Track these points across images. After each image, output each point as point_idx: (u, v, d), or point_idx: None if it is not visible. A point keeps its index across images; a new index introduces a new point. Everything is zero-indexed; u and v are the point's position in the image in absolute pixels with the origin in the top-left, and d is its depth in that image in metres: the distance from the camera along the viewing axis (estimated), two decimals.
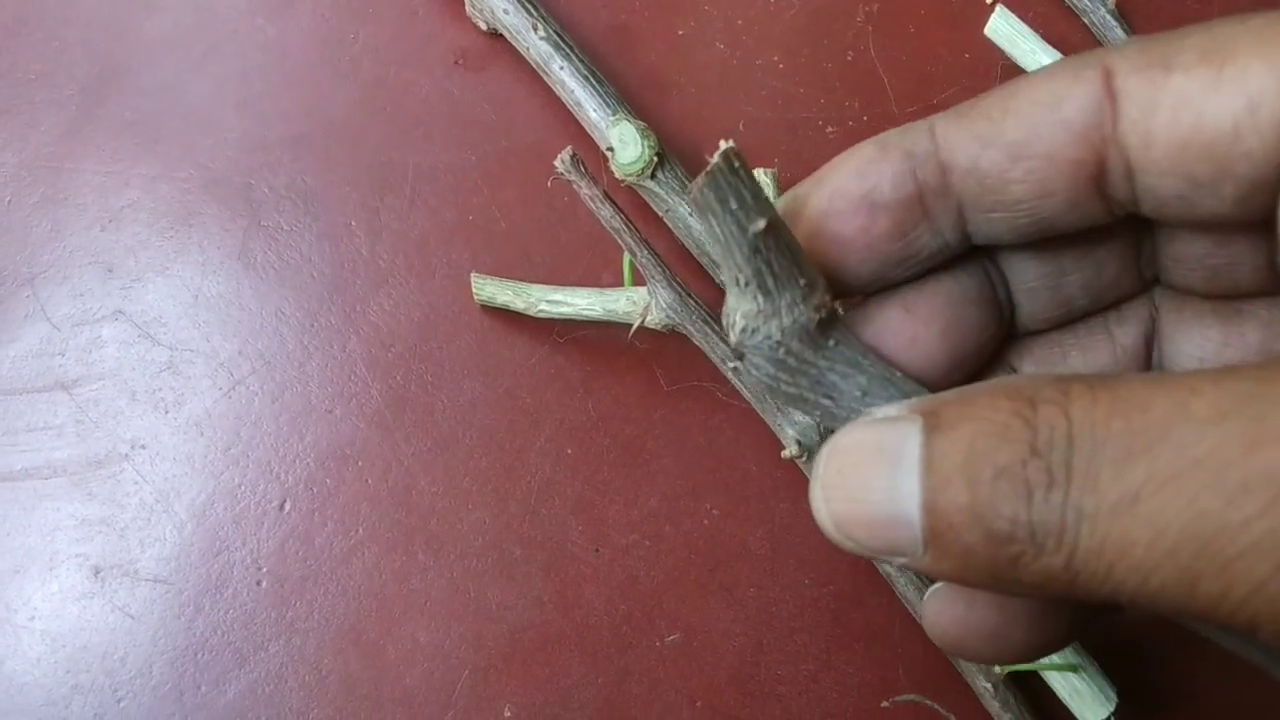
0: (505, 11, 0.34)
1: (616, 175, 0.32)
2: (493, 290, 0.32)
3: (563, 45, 0.34)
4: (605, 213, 0.28)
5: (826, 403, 0.19)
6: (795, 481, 0.31)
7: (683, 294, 0.29)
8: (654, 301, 0.29)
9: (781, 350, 0.18)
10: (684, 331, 0.29)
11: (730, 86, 0.36)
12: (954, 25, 0.36)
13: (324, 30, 0.37)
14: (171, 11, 0.37)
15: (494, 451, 0.32)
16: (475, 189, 0.35)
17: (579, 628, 0.30)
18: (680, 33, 0.36)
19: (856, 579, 0.30)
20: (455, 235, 0.34)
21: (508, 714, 0.29)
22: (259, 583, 0.30)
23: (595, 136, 0.34)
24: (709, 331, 0.29)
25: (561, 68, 0.34)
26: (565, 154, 0.28)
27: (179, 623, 0.30)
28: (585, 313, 0.31)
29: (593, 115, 0.33)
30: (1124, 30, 0.33)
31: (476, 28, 0.36)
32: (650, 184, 0.32)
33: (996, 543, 0.15)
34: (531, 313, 0.32)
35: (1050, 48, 0.34)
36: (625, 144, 0.32)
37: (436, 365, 0.32)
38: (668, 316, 0.29)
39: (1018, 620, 0.19)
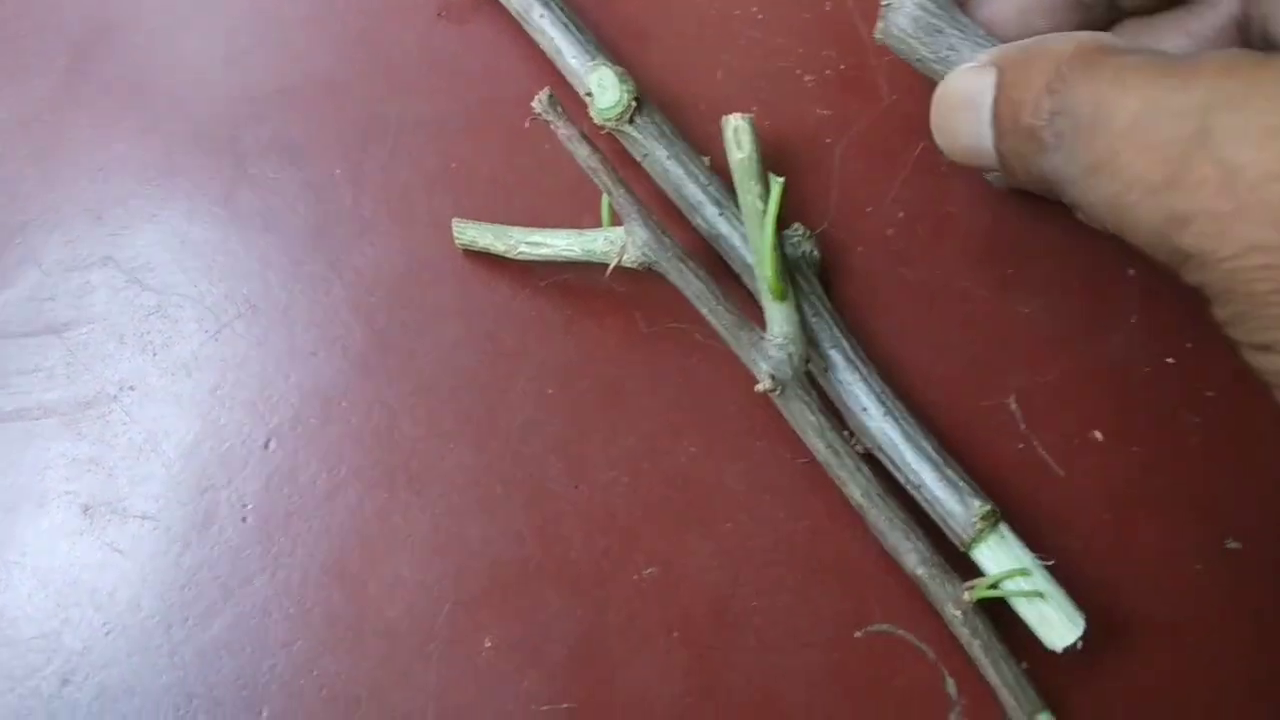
0: None
1: (595, 121, 0.33)
2: (473, 234, 0.33)
3: None
4: (582, 153, 0.29)
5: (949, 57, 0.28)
6: (771, 419, 0.31)
7: (658, 233, 0.30)
8: (630, 240, 0.30)
9: (921, 9, 0.28)
10: (660, 270, 0.30)
11: (709, 36, 0.36)
12: None
13: None
14: None
15: (475, 393, 0.32)
16: (458, 139, 0.35)
17: (558, 562, 0.30)
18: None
19: (831, 513, 0.30)
20: (437, 184, 0.34)
21: (488, 644, 0.30)
22: (244, 519, 0.31)
23: (574, 84, 0.34)
24: (684, 269, 0.29)
25: (541, 15, 0.34)
26: (543, 94, 0.29)
27: (167, 558, 0.31)
28: (564, 253, 0.31)
29: (572, 62, 0.34)
30: None
31: None
32: (628, 129, 0.32)
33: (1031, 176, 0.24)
34: (511, 255, 0.32)
35: None
36: (604, 88, 0.32)
37: (419, 310, 0.33)
38: (644, 255, 0.30)
39: None
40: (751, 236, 0.30)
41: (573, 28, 0.34)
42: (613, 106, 0.32)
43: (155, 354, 0.33)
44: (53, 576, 0.31)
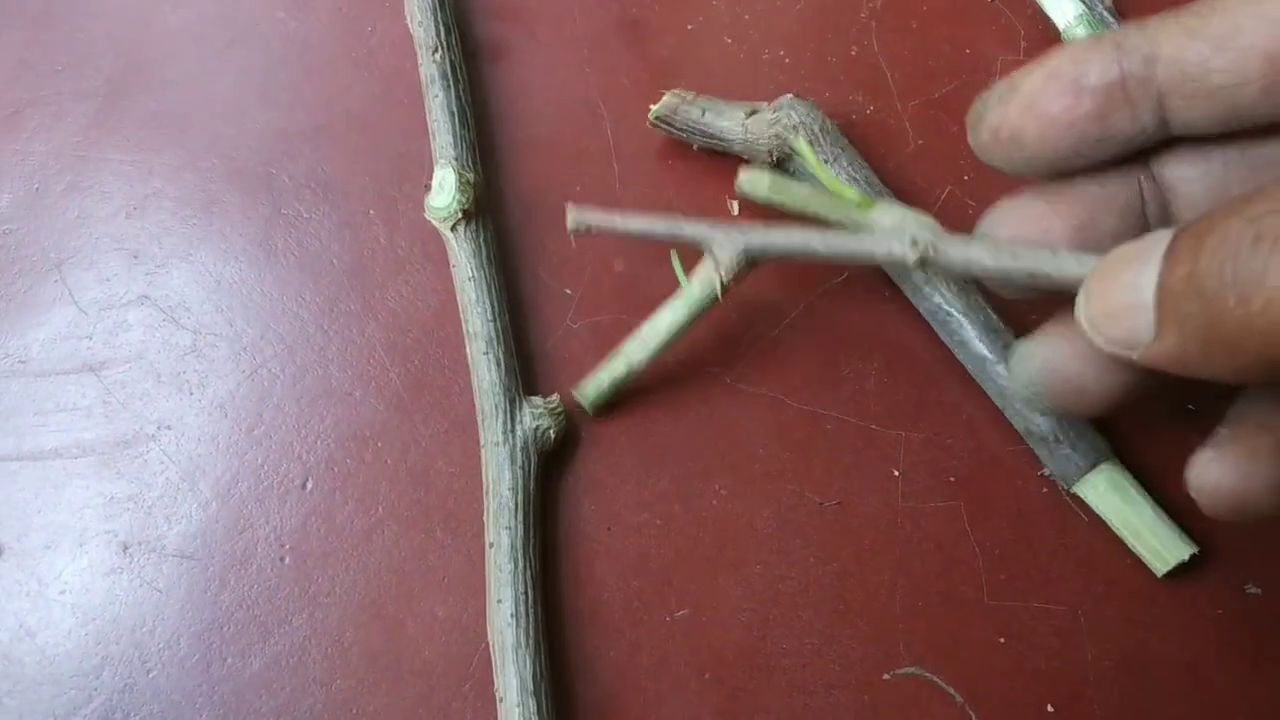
0: (419, 23, 0.35)
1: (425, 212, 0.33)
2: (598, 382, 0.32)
3: (449, 77, 0.34)
4: (634, 227, 0.29)
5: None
6: (800, 462, 0.32)
7: (733, 232, 0.29)
8: (716, 262, 0.29)
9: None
10: (759, 257, 0.29)
11: (737, 79, 0.37)
12: (955, 21, 0.37)
13: (342, 23, 0.38)
14: (194, 5, 0.38)
15: None
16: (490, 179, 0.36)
17: (591, 603, 0.31)
18: (689, 27, 0.37)
19: (859, 557, 0.31)
20: None
21: None
22: (282, 559, 0.31)
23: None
24: (774, 235, 0.29)
25: (436, 96, 0.34)
26: (571, 213, 0.30)
27: (205, 597, 0.31)
28: (678, 327, 0.31)
29: (437, 144, 0.34)
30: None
31: (493, 18, 0.37)
32: (449, 234, 0.32)
33: (1206, 300, 0.18)
34: (636, 367, 0.32)
35: None
36: (441, 188, 0.32)
37: (453, 350, 0.33)
38: (736, 261, 0.29)
39: None
40: (816, 200, 0.30)
41: (457, 119, 0.34)
42: (440, 209, 0.32)
43: (192, 393, 0.33)
44: (93, 614, 0.31)
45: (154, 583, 0.31)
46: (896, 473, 0.32)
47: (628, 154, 0.36)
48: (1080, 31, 0.34)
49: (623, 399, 0.33)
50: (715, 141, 0.34)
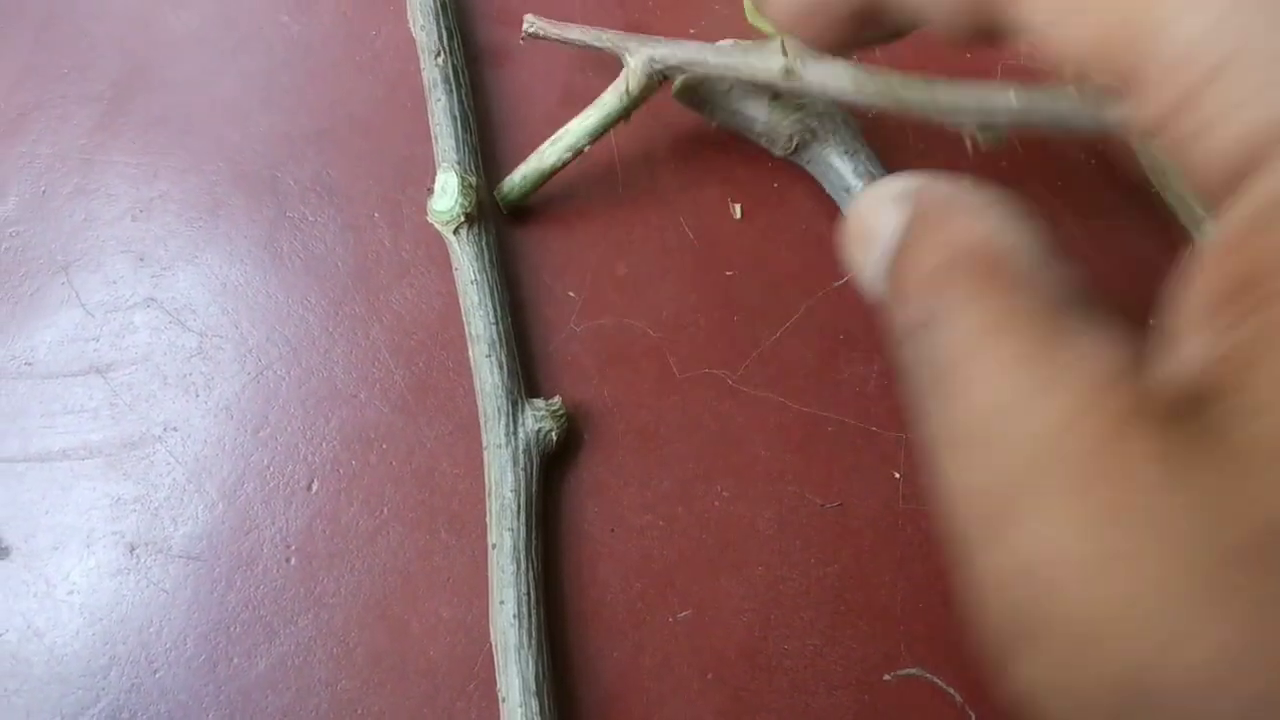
0: (422, 28, 0.36)
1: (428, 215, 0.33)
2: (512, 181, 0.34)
3: (451, 81, 0.35)
4: (573, 35, 0.33)
5: None
6: (802, 464, 0.32)
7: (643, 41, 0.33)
8: (627, 70, 0.33)
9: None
10: (665, 67, 0.32)
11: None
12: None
13: (345, 27, 0.38)
14: (198, 9, 0.38)
15: None
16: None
17: (594, 604, 0.31)
18: (692, 31, 0.38)
19: (860, 558, 0.31)
20: None
21: None
22: (288, 560, 0.32)
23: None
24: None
25: (438, 100, 0.35)
26: (528, 21, 0.34)
27: (212, 598, 0.31)
28: (590, 130, 0.33)
29: (439, 148, 0.34)
30: None
31: (497, 24, 0.37)
32: (452, 237, 0.33)
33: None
34: (546, 171, 0.34)
35: None
36: (444, 192, 0.33)
37: (458, 352, 0.34)
38: (648, 67, 0.32)
39: None
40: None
41: (459, 124, 0.34)
42: (443, 211, 0.33)
43: (198, 395, 0.33)
44: (100, 615, 0.31)
45: (160, 583, 0.32)
46: (897, 475, 0.32)
47: (630, 157, 0.36)
48: None
49: (623, 403, 0.33)
50: (738, 118, 0.34)
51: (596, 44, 0.33)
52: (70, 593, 0.31)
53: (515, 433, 0.31)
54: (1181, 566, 0.11)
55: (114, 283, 0.35)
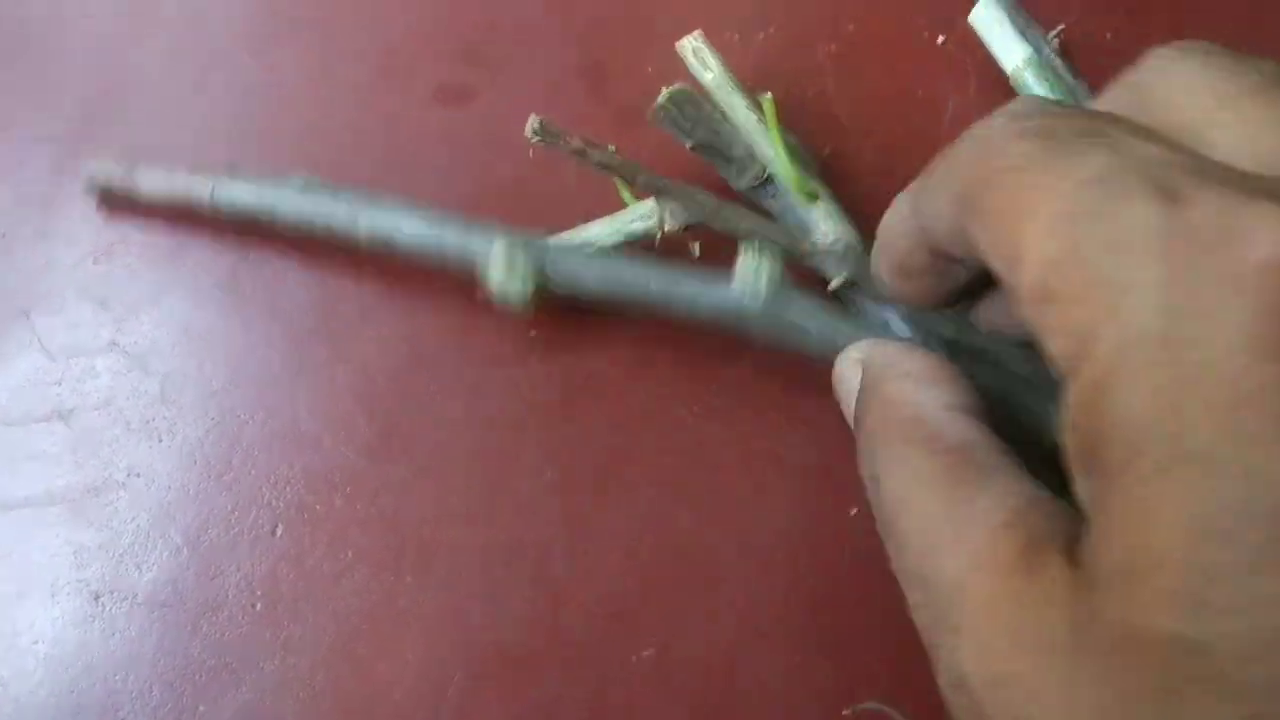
0: None
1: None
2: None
3: None
4: (595, 158, 0.30)
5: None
6: (763, 495, 0.33)
7: (692, 195, 0.31)
8: (665, 211, 0.31)
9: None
10: (704, 225, 0.32)
11: None
12: (908, 63, 0.38)
13: (310, 64, 0.38)
14: (159, 51, 0.38)
15: (477, 475, 0.33)
16: None
17: (559, 643, 0.32)
18: (649, 69, 0.38)
19: (828, 586, 0.32)
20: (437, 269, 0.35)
21: None
22: (254, 605, 0.32)
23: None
24: (727, 213, 0.31)
25: None
26: (533, 121, 0.29)
27: (177, 644, 0.31)
28: (606, 239, 0.33)
29: None
30: (1068, 70, 0.35)
31: (458, 61, 0.38)
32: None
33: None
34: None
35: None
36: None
37: (422, 394, 0.34)
38: (684, 219, 0.32)
39: None
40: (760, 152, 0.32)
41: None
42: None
43: (161, 440, 0.33)
44: (65, 664, 0.31)
45: (126, 631, 0.32)
46: (853, 511, 0.32)
47: (592, 194, 0.37)
48: (1028, 75, 0.35)
49: (587, 438, 0.34)
50: (715, 139, 0.34)
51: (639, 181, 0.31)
52: (35, 642, 0.31)
53: None
54: (1055, 680, 0.15)
55: (76, 327, 0.35)
